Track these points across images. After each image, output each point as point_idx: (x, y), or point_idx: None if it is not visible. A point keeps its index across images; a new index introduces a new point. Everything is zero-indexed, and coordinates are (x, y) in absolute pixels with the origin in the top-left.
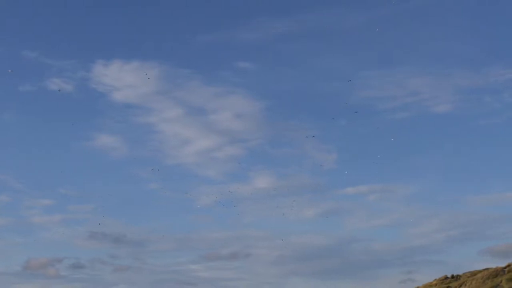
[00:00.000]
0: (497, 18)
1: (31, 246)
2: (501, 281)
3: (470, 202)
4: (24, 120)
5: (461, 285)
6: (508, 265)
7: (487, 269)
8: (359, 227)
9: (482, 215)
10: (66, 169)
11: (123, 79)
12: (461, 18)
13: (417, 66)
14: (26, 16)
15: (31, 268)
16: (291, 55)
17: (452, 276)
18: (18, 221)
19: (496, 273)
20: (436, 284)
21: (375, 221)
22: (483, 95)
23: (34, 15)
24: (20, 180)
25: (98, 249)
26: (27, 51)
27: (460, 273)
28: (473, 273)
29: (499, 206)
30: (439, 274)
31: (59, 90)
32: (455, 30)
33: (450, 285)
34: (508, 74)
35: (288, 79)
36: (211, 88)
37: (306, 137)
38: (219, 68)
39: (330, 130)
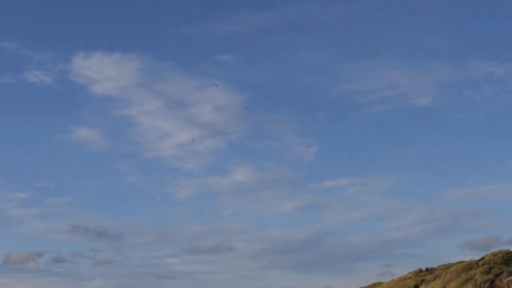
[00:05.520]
0: (477, 13)
1: (11, 240)
2: (475, 274)
3: (448, 195)
4: (1, 112)
5: (435, 278)
6: (482, 258)
7: (461, 262)
8: (337, 220)
9: (460, 209)
10: (43, 162)
11: (104, 71)
12: (442, 12)
13: (397, 60)
14: (6, 7)
15: (12, 262)
16: (272, 48)
17: (427, 269)
18: None
19: (470, 266)
20: (411, 277)
21: (353, 214)
22: (463, 88)
23: (14, 6)
24: None
25: (80, 242)
26: (6, 43)
27: (435, 266)
28: (447, 266)
29: (477, 199)
30: (418, 267)
31: None
32: (435, 24)
33: (424, 278)
34: (488, 68)
35: (269, 72)
36: (191, 81)
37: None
38: (199, 60)
39: (310, 123)
